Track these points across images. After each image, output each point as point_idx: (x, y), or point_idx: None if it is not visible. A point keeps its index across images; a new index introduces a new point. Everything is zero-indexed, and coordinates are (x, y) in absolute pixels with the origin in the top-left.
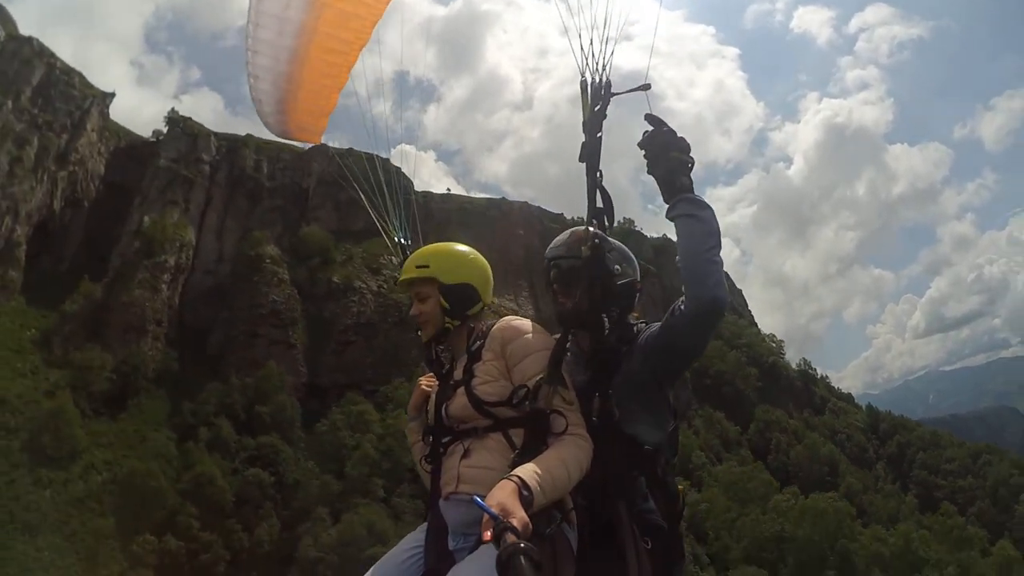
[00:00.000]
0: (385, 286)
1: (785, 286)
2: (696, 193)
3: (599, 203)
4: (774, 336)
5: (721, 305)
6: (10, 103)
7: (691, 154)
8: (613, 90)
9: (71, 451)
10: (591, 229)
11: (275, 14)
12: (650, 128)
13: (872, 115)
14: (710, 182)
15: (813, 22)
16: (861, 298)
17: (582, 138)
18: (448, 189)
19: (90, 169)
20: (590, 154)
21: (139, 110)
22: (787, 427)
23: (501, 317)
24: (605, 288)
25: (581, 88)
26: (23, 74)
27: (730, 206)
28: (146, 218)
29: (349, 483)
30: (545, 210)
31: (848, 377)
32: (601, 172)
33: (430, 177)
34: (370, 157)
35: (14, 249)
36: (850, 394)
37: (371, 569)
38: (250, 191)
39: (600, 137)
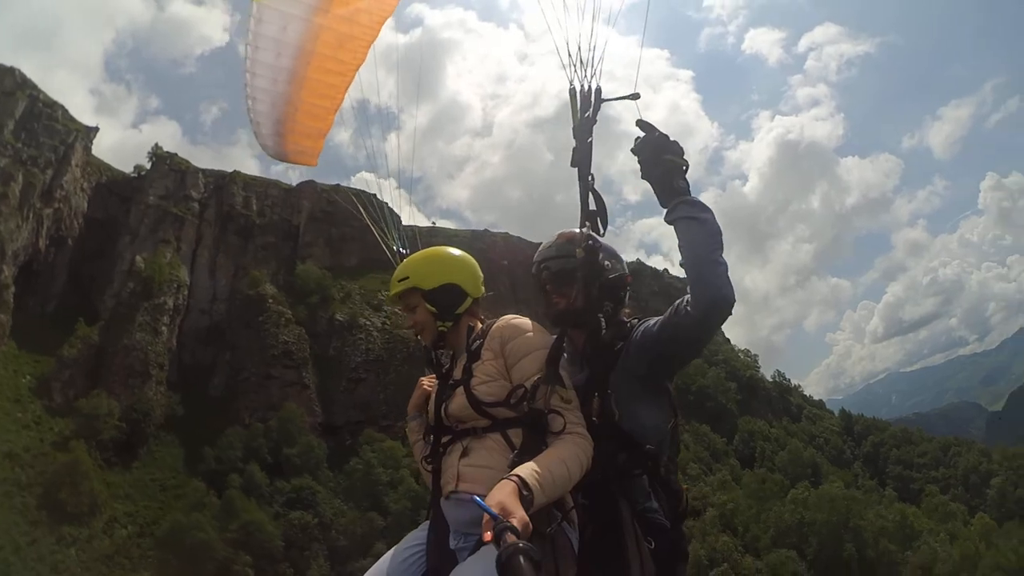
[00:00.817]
0: (389, 322)
1: (745, 300)
2: (693, 195)
3: (592, 206)
4: (748, 351)
5: (730, 302)
6: None
7: (685, 156)
8: (603, 96)
9: (91, 505)
10: (585, 230)
11: (273, 36)
12: (642, 134)
13: (823, 130)
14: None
15: (764, 43)
16: (820, 307)
17: (542, 162)
18: (433, 222)
19: (74, 206)
20: (581, 158)
21: (99, 138)
22: (769, 435)
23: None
24: (599, 287)
25: (570, 95)
26: (6, 106)
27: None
28: (138, 258)
29: (394, 518)
30: (526, 240)
31: (811, 384)
32: (593, 175)
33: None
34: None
35: (2, 291)
36: (821, 400)
37: (373, 567)
38: (241, 228)
39: (591, 142)
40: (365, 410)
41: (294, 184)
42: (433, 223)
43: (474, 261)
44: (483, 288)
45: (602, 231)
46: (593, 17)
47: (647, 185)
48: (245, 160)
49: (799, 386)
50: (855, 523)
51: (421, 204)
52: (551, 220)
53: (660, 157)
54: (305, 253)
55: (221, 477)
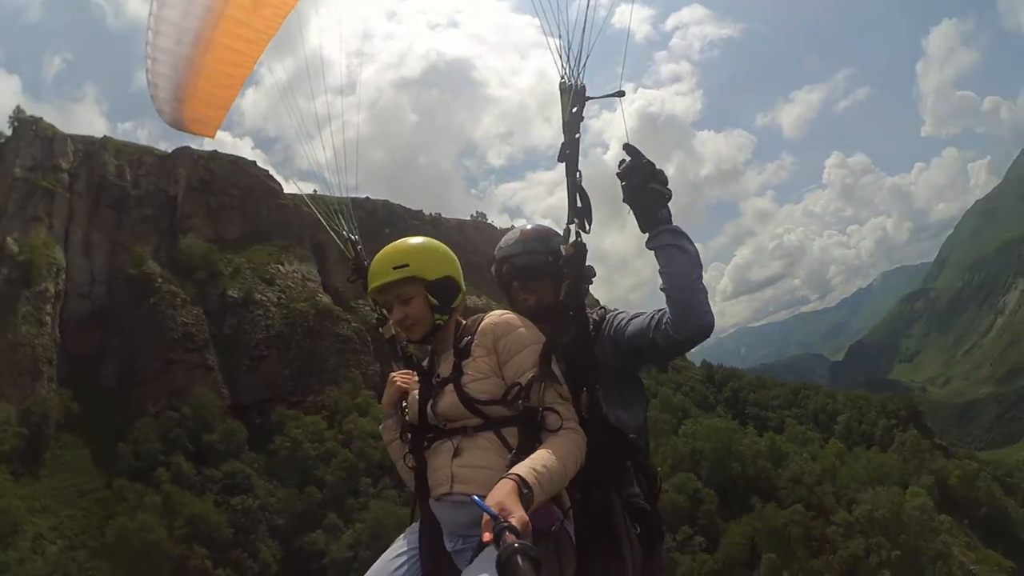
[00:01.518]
0: (284, 296)
1: (605, 261)
2: (675, 224)
3: (578, 203)
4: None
5: (711, 328)
6: None
7: (668, 186)
8: (588, 94)
9: (11, 525)
10: (573, 227)
11: None
12: (627, 158)
13: (683, 105)
14: (530, 167)
15: (634, 20)
16: None
17: (408, 124)
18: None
19: None
20: (570, 154)
21: None
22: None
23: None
24: (560, 275)
25: (560, 90)
26: None
27: (549, 189)
28: (9, 239)
29: (331, 489)
30: (404, 207)
31: None
32: (580, 172)
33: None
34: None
35: None
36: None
37: (366, 575)
38: (115, 200)
39: (579, 138)
40: (271, 388)
41: (169, 151)
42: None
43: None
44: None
45: (588, 229)
46: (586, 23)
47: (511, 150)
48: (94, 120)
49: None
50: (736, 448)
51: (279, 165)
52: (414, 182)
53: (646, 186)
54: (185, 226)
55: (145, 473)
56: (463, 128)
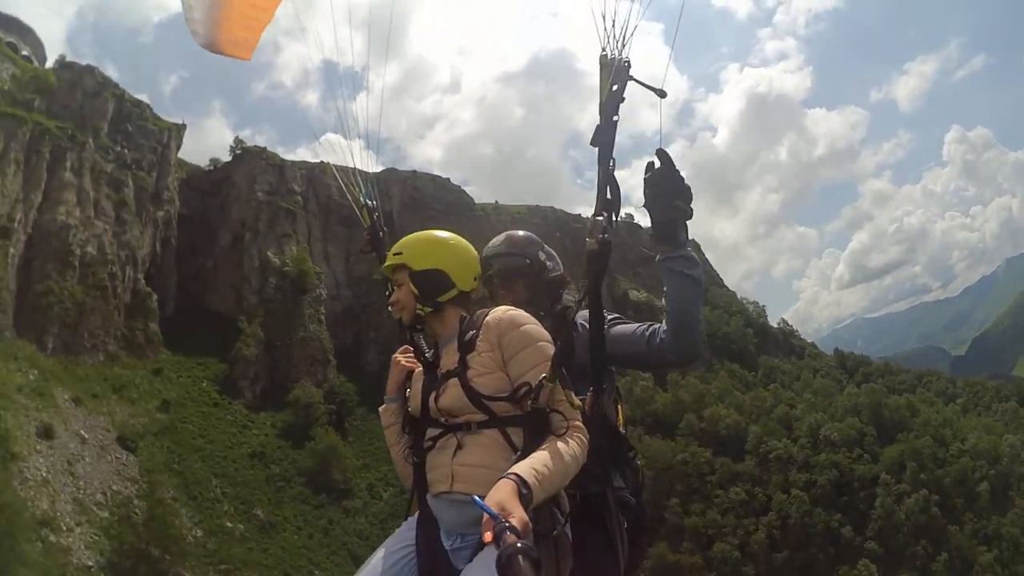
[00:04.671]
0: None
1: (715, 249)
2: (689, 249)
3: (608, 195)
4: (757, 303)
5: (700, 359)
6: (91, 141)
7: (691, 204)
8: (631, 73)
9: (346, 479)
10: (601, 220)
11: None
12: (657, 163)
13: (791, 83)
14: (636, 153)
15: None
16: (787, 255)
17: (515, 118)
18: (496, 201)
19: (177, 206)
20: (605, 139)
21: None
22: (784, 370)
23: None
24: (540, 280)
25: (600, 63)
26: (96, 108)
27: None
28: (269, 253)
29: None
30: (556, 210)
31: None
32: (614, 160)
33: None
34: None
35: (146, 299)
36: (813, 343)
37: (365, 568)
38: (343, 218)
39: (616, 121)
40: None
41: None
42: (496, 201)
43: (474, 255)
44: (476, 283)
45: (614, 223)
46: None
47: (617, 139)
48: (222, 131)
49: (797, 331)
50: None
51: (389, 165)
52: (522, 175)
53: (671, 202)
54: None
55: None
56: (570, 119)
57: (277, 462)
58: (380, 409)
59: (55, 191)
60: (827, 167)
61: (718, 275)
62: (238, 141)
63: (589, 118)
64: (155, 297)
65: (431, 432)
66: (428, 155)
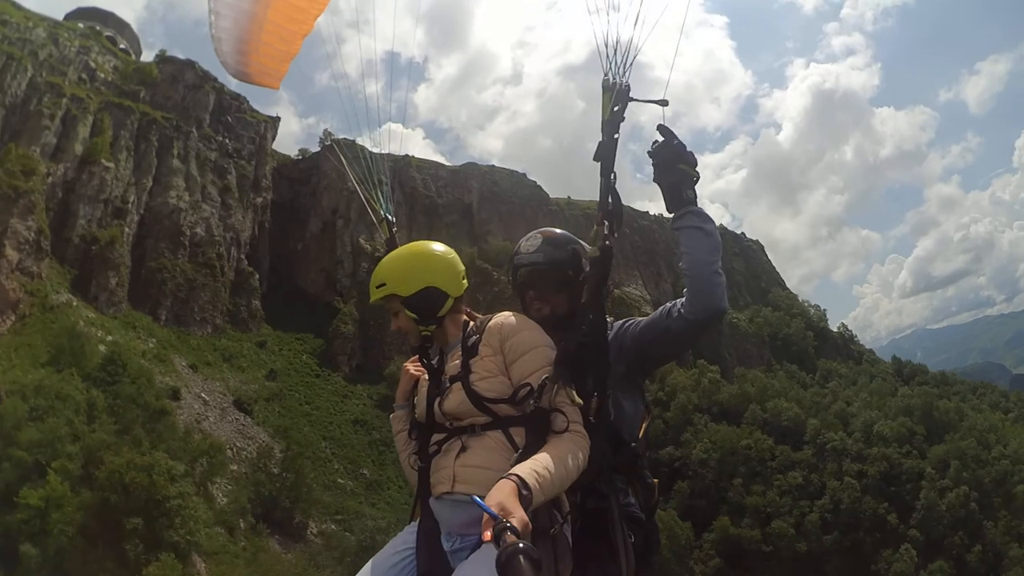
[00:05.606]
0: None
1: (776, 251)
2: (698, 207)
3: (609, 206)
4: (818, 306)
5: (725, 313)
6: (195, 130)
7: (697, 168)
8: (632, 95)
9: None
10: (603, 231)
11: None
12: (660, 139)
13: (859, 80)
14: (698, 149)
15: None
16: (849, 259)
17: (575, 111)
18: (568, 197)
19: (273, 194)
20: (606, 154)
21: None
22: (841, 374)
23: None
24: (581, 291)
25: (603, 87)
26: (197, 100)
27: (716, 172)
28: (361, 239)
29: None
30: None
31: None
32: (615, 173)
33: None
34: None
35: (248, 279)
36: (871, 350)
37: (359, 573)
38: (426, 208)
39: (617, 138)
40: None
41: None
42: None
43: (453, 256)
44: (465, 282)
45: (616, 232)
46: (636, 20)
47: (678, 133)
48: (290, 121)
49: (856, 336)
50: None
51: (448, 154)
52: (581, 168)
53: (675, 166)
54: (483, 229)
55: None
56: (629, 112)
57: (377, 429)
58: (390, 417)
59: (164, 176)
60: (893, 169)
61: (780, 277)
62: (327, 133)
63: (650, 112)
64: (257, 276)
65: (436, 436)
66: (489, 146)
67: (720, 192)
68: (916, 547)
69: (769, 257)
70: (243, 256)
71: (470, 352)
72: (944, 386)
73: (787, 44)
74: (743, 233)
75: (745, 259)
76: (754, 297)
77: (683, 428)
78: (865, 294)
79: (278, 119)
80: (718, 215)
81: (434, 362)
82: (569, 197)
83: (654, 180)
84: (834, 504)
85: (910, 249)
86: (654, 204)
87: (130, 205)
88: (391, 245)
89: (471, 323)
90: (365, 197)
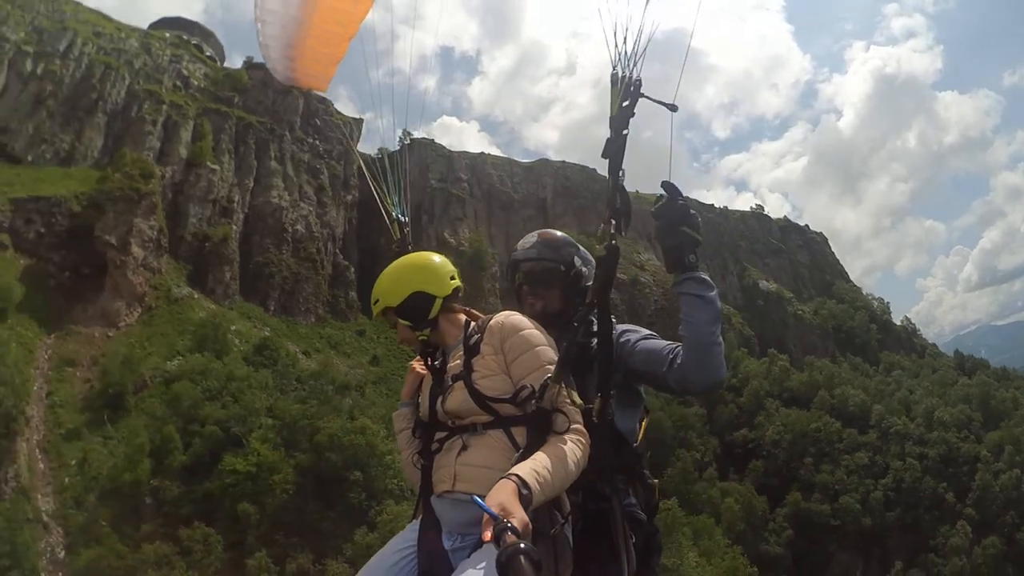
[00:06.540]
0: (655, 277)
1: (836, 241)
2: (700, 272)
3: (618, 203)
4: (882, 299)
5: (722, 383)
6: (288, 133)
7: (700, 232)
8: (643, 91)
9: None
10: (610, 229)
11: None
12: (664, 195)
13: (921, 64)
14: (756, 137)
15: None
16: (912, 250)
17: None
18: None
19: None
20: (614, 152)
21: None
22: (904, 366)
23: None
24: (575, 289)
25: (611, 80)
26: (287, 104)
27: (775, 161)
28: (445, 233)
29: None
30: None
31: None
32: (624, 171)
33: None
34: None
35: (344, 271)
36: (934, 344)
37: (360, 571)
38: (502, 203)
39: (626, 134)
40: None
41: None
42: (637, 190)
43: (438, 260)
44: (454, 282)
45: (624, 231)
46: (644, 13)
47: (736, 121)
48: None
49: (919, 330)
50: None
51: (504, 146)
52: (636, 158)
53: (678, 228)
54: (558, 224)
55: None
56: (685, 100)
57: None
58: (393, 415)
59: (264, 177)
60: (958, 156)
61: (844, 269)
62: (406, 133)
63: (705, 99)
64: (352, 269)
65: (439, 435)
66: (544, 138)
67: (780, 182)
68: (971, 524)
69: (832, 248)
70: (338, 251)
71: (472, 351)
72: (1005, 381)
73: (846, 26)
74: (807, 225)
75: (809, 251)
76: (818, 290)
77: (756, 412)
78: (929, 288)
79: (361, 120)
80: (777, 205)
81: (437, 362)
82: (637, 191)
83: (655, 238)
84: (896, 483)
85: (975, 240)
86: (712, 194)
87: (235, 204)
88: (401, 248)
89: (472, 323)
90: (379, 196)
